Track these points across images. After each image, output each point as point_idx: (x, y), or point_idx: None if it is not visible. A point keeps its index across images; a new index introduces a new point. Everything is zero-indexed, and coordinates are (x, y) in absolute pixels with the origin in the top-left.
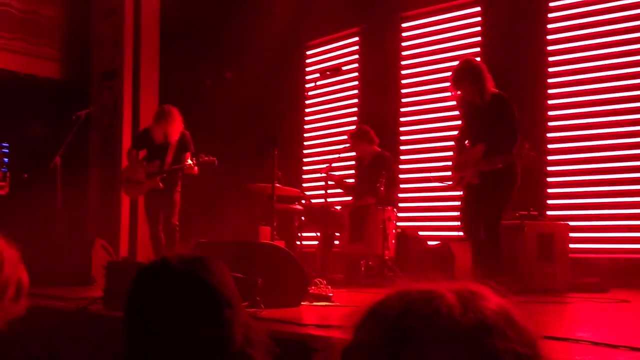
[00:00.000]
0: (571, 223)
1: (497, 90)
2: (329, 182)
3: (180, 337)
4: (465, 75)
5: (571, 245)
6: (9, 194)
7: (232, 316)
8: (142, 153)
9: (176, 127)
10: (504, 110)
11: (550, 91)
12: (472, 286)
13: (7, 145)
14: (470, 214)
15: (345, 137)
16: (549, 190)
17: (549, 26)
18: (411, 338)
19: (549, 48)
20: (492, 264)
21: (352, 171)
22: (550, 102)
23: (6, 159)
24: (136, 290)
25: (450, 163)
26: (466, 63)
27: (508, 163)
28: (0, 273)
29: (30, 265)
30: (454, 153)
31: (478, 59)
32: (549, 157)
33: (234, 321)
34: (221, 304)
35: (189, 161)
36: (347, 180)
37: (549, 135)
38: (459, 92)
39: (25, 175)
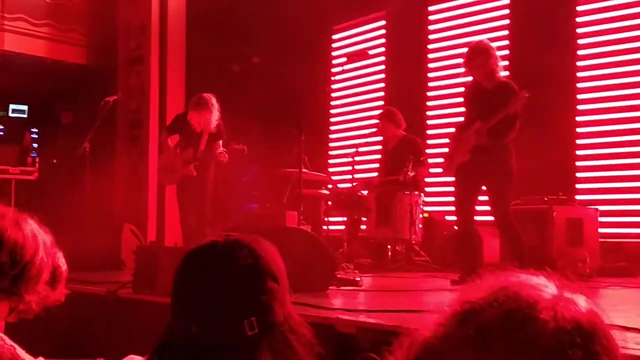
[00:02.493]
0: (600, 207)
1: (506, 79)
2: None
3: (222, 304)
4: (477, 57)
5: (600, 230)
6: (39, 179)
7: (275, 289)
8: (174, 139)
9: (215, 117)
10: (509, 97)
11: (579, 74)
12: (566, 288)
13: (36, 130)
14: (459, 196)
15: (372, 121)
16: (578, 175)
17: (579, 8)
18: (499, 336)
19: (579, 30)
20: (516, 253)
21: (379, 156)
22: (579, 85)
23: (36, 145)
24: (186, 267)
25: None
26: (479, 44)
27: (500, 145)
28: (34, 257)
29: (60, 250)
30: (450, 140)
31: (507, 42)
32: (578, 141)
33: (276, 295)
34: (266, 275)
35: (221, 149)
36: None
37: (578, 119)
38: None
39: (55, 161)
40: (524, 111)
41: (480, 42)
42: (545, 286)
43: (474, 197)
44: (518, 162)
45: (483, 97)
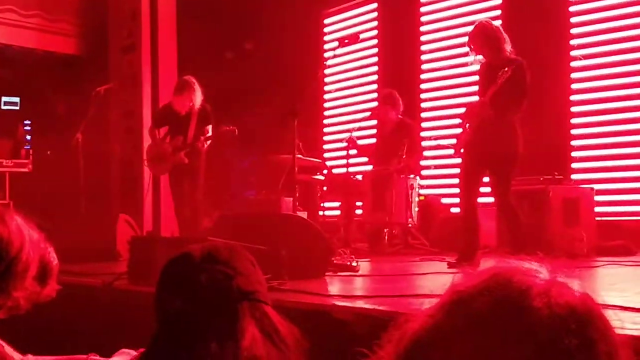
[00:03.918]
0: (596, 186)
1: (514, 56)
2: (351, 152)
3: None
4: (480, 38)
5: (597, 209)
6: (33, 171)
7: (247, 308)
8: (163, 130)
9: (197, 97)
10: (516, 74)
11: (573, 53)
12: (559, 272)
13: (29, 122)
14: (465, 178)
15: (366, 105)
16: (573, 154)
17: None
18: (491, 326)
19: (571, 9)
20: (514, 235)
21: (374, 140)
22: (573, 64)
23: (29, 137)
24: (162, 281)
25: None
26: (481, 26)
27: (505, 125)
28: (20, 253)
29: (55, 242)
30: (461, 119)
31: (499, 21)
32: (573, 120)
33: (248, 312)
34: (238, 294)
35: (208, 134)
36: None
37: (572, 98)
38: (479, 56)
39: (49, 152)
40: (528, 88)
41: (479, 23)
42: (537, 271)
43: (479, 179)
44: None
45: (491, 73)
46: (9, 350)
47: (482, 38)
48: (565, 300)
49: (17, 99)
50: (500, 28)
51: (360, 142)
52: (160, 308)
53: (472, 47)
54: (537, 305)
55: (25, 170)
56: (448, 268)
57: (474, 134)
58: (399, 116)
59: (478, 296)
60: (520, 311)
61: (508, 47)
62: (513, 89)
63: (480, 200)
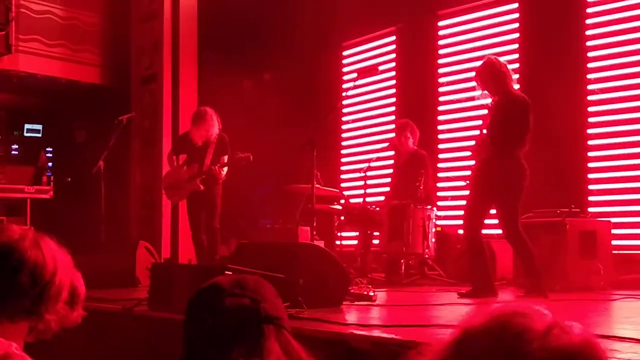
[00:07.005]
0: (613, 220)
1: (516, 92)
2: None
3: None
4: (485, 74)
5: (614, 242)
6: (54, 197)
7: (271, 333)
8: (182, 157)
9: (215, 128)
10: (510, 111)
11: (590, 87)
12: (558, 318)
13: (51, 150)
14: (468, 207)
15: (383, 136)
16: (590, 187)
17: (588, 21)
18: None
19: (588, 43)
20: (527, 265)
21: (391, 170)
22: (590, 97)
23: (50, 164)
24: (192, 309)
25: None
26: (487, 62)
27: (505, 157)
28: (54, 277)
29: (79, 271)
30: (472, 153)
31: (516, 55)
32: (590, 154)
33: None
34: (264, 319)
35: (217, 165)
36: (385, 181)
37: (589, 131)
38: (485, 92)
39: (69, 179)
40: (528, 124)
41: (486, 59)
42: (540, 314)
43: (484, 212)
44: (530, 175)
45: (491, 111)
46: None
47: (487, 74)
48: (562, 344)
49: (39, 127)
50: (507, 65)
51: (375, 172)
52: (189, 330)
53: (477, 82)
54: (530, 349)
55: (46, 196)
56: (458, 298)
57: (479, 167)
58: (415, 147)
59: (480, 336)
60: (513, 354)
61: (514, 84)
62: (511, 124)
63: (497, 232)
